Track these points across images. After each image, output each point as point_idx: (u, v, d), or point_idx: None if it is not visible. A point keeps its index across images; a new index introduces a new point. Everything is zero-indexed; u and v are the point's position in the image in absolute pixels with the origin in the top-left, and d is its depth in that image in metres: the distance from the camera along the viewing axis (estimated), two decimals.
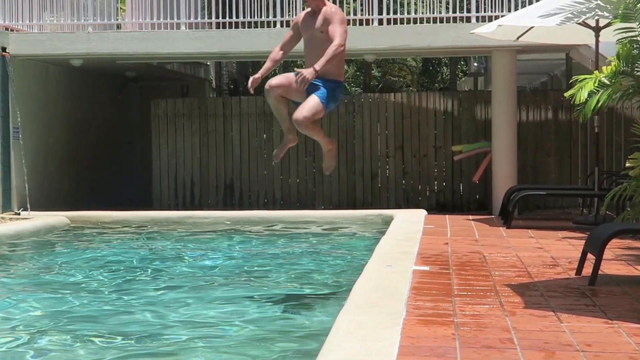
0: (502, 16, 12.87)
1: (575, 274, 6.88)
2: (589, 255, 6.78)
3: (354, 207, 14.84)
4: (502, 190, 12.70)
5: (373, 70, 32.31)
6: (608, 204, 8.72)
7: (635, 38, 7.84)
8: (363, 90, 30.84)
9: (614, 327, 4.96)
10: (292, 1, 14.09)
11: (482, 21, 13.51)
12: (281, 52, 7.52)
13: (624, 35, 7.86)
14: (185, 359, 5.32)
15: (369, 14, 13.85)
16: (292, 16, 14.21)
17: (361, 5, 14.02)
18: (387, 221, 11.50)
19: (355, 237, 11.62)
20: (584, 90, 7.88)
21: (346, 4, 17.09)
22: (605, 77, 7.84)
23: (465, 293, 6.04)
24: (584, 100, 7.89)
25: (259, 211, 14.14)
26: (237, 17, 14.04)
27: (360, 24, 13.99)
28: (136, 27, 14.71)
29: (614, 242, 8.10)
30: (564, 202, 14.53)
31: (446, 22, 13.92)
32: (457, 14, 13.96)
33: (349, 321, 4.96)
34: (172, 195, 15.64)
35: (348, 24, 14.50)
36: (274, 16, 14.10)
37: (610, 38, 9.08)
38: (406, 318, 5.09)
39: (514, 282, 6.52)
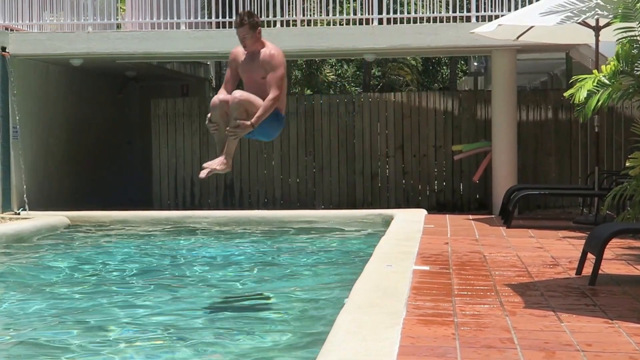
0: (502, 16, 12.86)
1: (576, 274, 6.88)
2: (589, 255, 6.78)
3: (354, 206, 14.84)
4: (502, 189, 12.70)
5: (373, 69, 32.31)
6: (608, 204, 8.71)
7: (634, 38, 7.83)
8: (363, 90, 30.84)
9: (614, 326, 4.96)
10: (292, 1, 14.09)
11: (482, 21, 13.50)
12: (225, 92, 7.09)
13: (624, 35, 7.85)
14: (186, 356, 5.32)
15: (369, 14, 13.84)
16: (292, 16, 14.21)
17: (361, 4, 14.02)
18: (387, 221, 11.49)
19: (354, 236, 11.61)
20: (583, 89, 7.88)
21: (346, 3, 17.08)
22: (604, 76, 7.83)
23: (465, 293, 6.04)
24: (583, 100, 7.89)
25: (259, 211, 14.14)
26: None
27: (360, 23, 13.99)
28: (136, 26, 14.71)
29: (614, 241, 8.10)
30: (564, 201, 14.53)
31: (446, 22, 13.92)
32: (457, 14, 13.96)
33: (349, 321, 4.96)
34: (172, 195, 15.64)
35: (348, 23, 14.60)
36: (274, 16, 14.10)
37: (610, 37, 9.07)
38: (406, 318, 5.08)
39: (514, 282, 6.52)
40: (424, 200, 15.09)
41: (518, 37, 12.08)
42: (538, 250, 8.54)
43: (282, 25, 14.04)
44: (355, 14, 14.20)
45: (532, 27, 11.58)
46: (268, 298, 7.28)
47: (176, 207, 15.37)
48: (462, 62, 31.87)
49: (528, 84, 24.38)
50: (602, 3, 9.66)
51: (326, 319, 5.85)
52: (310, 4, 14.21)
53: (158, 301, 7.20)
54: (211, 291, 7.72)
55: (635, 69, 7.82)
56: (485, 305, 5.57)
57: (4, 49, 13.86)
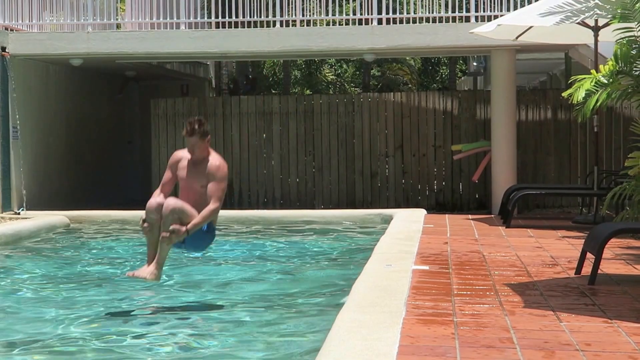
0: (501, 16, 12.87)
1: (575, 274, 6.90)
2: (589, 255, 6.80)
3: (354, 206, 14.85)
4: (502, 189, 12.71)
5: (373, 70, 32.33)
6: (607, 204, 8.72)
7: (633, 38, 7.84)
8: (362, 90, 30.85)
9: (614, 326, 4.97)
10: (291, 1, 14.10)
11: (482, 21, 13.51)
12: (162, 194, 6.92)
13: (623, 35, 7.87)
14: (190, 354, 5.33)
15: (368, 14, 13.85)
16: (292, 16, 14.22)
17: (360, 4, 14.03)
18: (387, 220, 11.51)
19: (354, 236, 11.62)
20: (582, 89, 7.89)
21: (346, 3, 17.08)
22: (603, 76, 7.85)
23: (464, 292, 6.05)
24: (582, 99, 7.90)
25: (259, 211, 14.14)
26: (237, 16, 14.04)
27: (360, 23, 14.00)
28: (136, 26, 14.71)
29: (614, 241, 8.11)
30: (564, 201, 14.54)
31: (445, 22, 13.93)
32: (457, 14, 13.96)
33: (349, 320, 4.97)
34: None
35: (347, 23, 14.61)
36: (274, 16, 14.12)
37: (609, 38, 9.08)
38: (406, 317, 5.10)
39: (514, 282, 6.53)
40: (423, 200, 15.10)
41: (517, 37, 12.09)
42: (537, 249, 8.55)
43: (281, 25, 14.05)
44: (354, 14, 14.20)
45: (531, 27, 11.59)
46: (267, 298, 7.29)
47: None
48: (462, 62, 31.90)
49: (527, 84, 24.39)
50: (600, 3, 9.67)
51: (326, 318, 5.87)
52: (310, 4, 14.22)
53: (158, 300, 7.21)
54: (205, 290, 7.73)
55: (634, 69, 7.84)
56: (485, 305, 5.59)
57: (3, 49, 13.87)
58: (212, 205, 6.72)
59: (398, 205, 14.79)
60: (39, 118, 15.02)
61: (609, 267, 7.24)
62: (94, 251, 10.53)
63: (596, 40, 10.87)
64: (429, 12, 14.06)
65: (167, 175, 7.05)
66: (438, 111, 15.15)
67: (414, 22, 14.02)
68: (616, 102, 8.21)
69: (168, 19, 14.32)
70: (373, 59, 15.76)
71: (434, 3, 14.03)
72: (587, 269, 6.69)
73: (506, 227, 10.75)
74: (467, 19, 13.86)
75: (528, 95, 15.58)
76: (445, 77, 34.40)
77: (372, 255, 7.85)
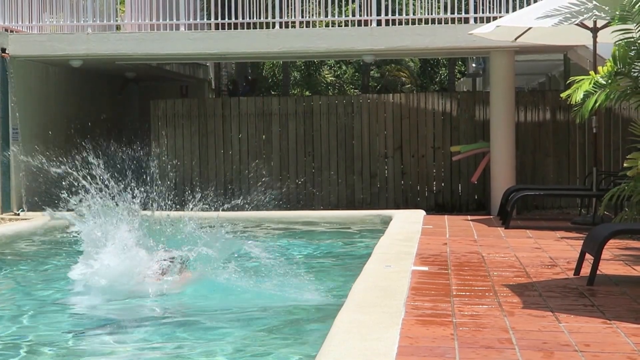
0: (500, 17, 12.88)
1: (574, 274, 6.91)
2: (587, 256, 6.81)
3: (353, 207, 14.87)
4: (501, 190, 12.72)
5: (372, 71, 32.34)
6: (606, 204, 8.74)
7: (632, 39, 7.86)
8: (362, 92, 30.87)
9: (612, 327, 4.99)
10: (291, 2, 14.12)
11: (481, 22, 13.53)
12: None
13: (622, 36, 7.88)
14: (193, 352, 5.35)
15: (367, 15, 13.87)
16: (291, 17, 14.23)
17: (360, 6, 14.04)
18: (386, 221, 11.52)
19: (353, 237, 11.63)
20: (580, 90, 7.91)
21: (345, 4, 17.10)
22: (601, 77, 7.86)
23: (463, 293, 6.07)
24: (580, 100, 7.92)
25: (258, 211, 14.14)
26: (236, 18, 14.06)
27: (359, 24, 14.01)
28: (135, 28, 14.73)
29: (612, 242, 8.13)
30: (562, 202, 14.55)
31: (444, 23, 13.95)
32: (455, 15, 13.97)
33: (349, 321, 4.98)
34: (171, 195, 15.63)
35: (347, 24, 14.62)
36: (273, 17, 14.13)
37: (608, 39, 9.10)
38: (405, 318, 5.11)
39: (513, 283, 6.55)
40: (422, 201, 15.12)
41: (516, 39, 12.11)
42: (536, 250, 8.56)
43: (281, 26, 14.06)
44: (354, 15, 14.22)
45: (530, 28, 11.60)
46: (266, 298, 7.30)
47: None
48: (460, 63, 31.91)
49: (526, 85, 24.41)
50: (599, 5, 9.69)
51: (325, 319, 5.88)
52: (309, 6, 14.24)
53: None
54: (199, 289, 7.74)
55: (633, 70, 7.85)
56: (484, 306, 5.60)
57: (3, 50, 13.88)
58: None
59: (397, 206, 14.80)
60: (39, 119, 15.03)
61: (607, 267, 7.25)
62: None
63: (595, 42, 10.88)
64: (428, 14, 14.08)
65: None
66: (437, 112, 15.16)
67: (413, 23, 14.04)
68: (615, 103, 8.23)
69: (168, 20, 14.33)
70: (372, 60, 15.77)
71: (433, 4, 14.05)
72: (586, 270, 6.71)
73: (505, 228, 10.76)
74: (466, 20, 13.88)
75: (527, 96, 15.59)
76: (444, 79, 34.42)
77: (371, 255, 7.85)
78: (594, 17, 10.03)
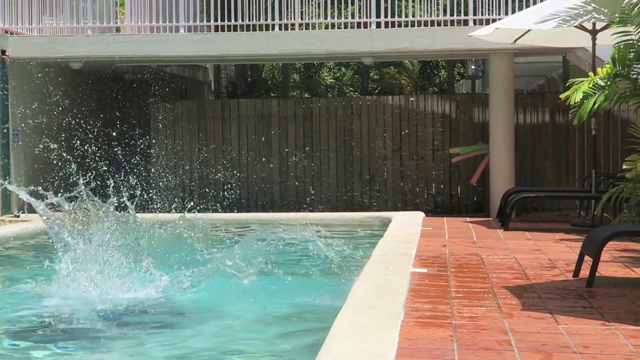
0: (499, 19, 12.90)
1: (573, 276, 6.92)
2: (586, 257, 6.82)
3: (352, 209, 14.88)
4: (500, 192, 12.74)
5: (371, 73, 32.35)
6: (604, 205, 8.75)
7: (631, 41, 7.88)
8: (361, 94, 30.88)
9: (611, 329, 5.00)
10: (290, 4, 14.14)
11: (480, 24, 13.55)
12: None
13: (621, 38, 7.90)
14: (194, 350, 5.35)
15: (367, 17, 13.89)
16: (291, 19, 14.24)
17: (359, 8, 14.06)
18: (385, 223, 11.52)
19: (353, 239, 11.63)
20: (579, 92, 7.93)
21: (344, 6, 17.12)
22: (600, 79, 7.88)
23: (462, 295, 6.07)
24: (579, 102, 7.94)
25: (257, 213, 14.16)
26: (236, 20, 14.08)
27: (359, 27, 14.03)
28: (135, 30, 14.74)
29: (611, 244, 8.14)
30: (562, 204, 14.56)
31: (444, 25, 13.96)
32: (455, 17, 13.98)
33: (348, 322, 4.99)
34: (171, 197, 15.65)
35: (346, 27, 14.63)
36: (273, 19, 14.14)
37: (607, 41, 9.12)
38: (404, 320, 5.11)
39: (512, 284, 6.55)
40: (421, 203, 15.12)
41: (515, 41, 12.12)
42: (535, 252, 8.57)
43: (280, 28, 14.08)
44: (353, 17, 14.23)
45: (529, 30, 11.62)
46: (265, 298, 7.30)
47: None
48: (460, 65, 31.92)
49: (525, 87, 24.41)
50: (598, 7, 9.70)
51: (324, 320, 5.89)
52: (309, 8, 14.25)
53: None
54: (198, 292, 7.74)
55: (632, 72, 7.87)
56: (483, 308, 5.61)
57: (3, 52, 13.89)
58: None
59: (396, 208, 14.82)
60: (39, 121, 15.02)
61: (606, 269, 7.26)
62: None
63: (594, 44, 10.90)
64: (427, 16, 14.09)
65: None
66: (436, 114, 15.18)
67: (413, 25, 14.05)
68: (614, 105, 8.25)
69: (167, 22, 14.35)
70: (372, 62, 15.79)
71: (433, 7, 14.06)
72: (585, 272, 6.71)
73: (504, 230, 10.77)
74: (466, 23, 13.89)
75: (526, 98, 15.62)
76: (443, 81, 34.42)
77: (370, 257, 7.86)
78: (593, 19, 10.05)
